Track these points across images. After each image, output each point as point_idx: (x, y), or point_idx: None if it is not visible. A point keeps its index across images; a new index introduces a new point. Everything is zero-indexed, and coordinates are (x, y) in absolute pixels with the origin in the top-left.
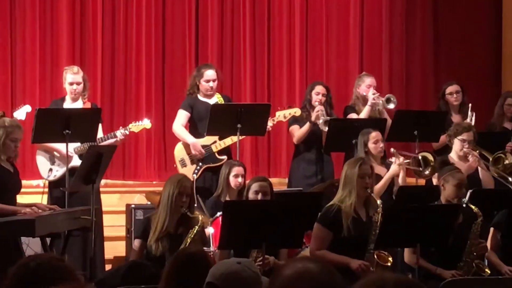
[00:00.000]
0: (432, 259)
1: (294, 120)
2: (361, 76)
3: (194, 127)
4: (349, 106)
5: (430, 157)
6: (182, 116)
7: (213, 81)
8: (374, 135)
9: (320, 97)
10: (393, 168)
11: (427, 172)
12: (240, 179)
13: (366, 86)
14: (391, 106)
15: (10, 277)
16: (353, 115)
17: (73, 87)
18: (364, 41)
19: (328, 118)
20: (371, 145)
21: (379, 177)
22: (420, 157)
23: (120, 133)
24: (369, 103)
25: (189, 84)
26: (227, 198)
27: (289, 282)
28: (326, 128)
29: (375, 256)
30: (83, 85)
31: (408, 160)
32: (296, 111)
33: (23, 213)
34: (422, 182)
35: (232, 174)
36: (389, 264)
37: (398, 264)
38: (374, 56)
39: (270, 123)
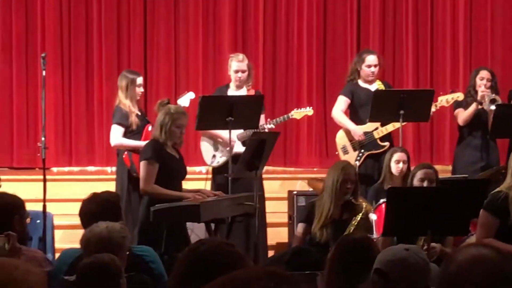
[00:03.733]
0: None
1: (458, 104)
2: None
3: (354, 113)
4: None
5: None
6: (342, 102)
7: (375, 66)
8: None
9: (485, 82)
10: None
11: None
12: (401, 165)
13: None
14: None
15: (180, 261)
16: None
17: (238, 75)
18: None
19: (494, 95)
20: None
21: None
22: None
23: (283, 118)
24: None
25: (349, 70)
26: (390, 186)
27: (465, 266)
28: (493, 107)
29: None
30: (248, 73)
31: None
32: (459, 96)
33: (188, 198)
34: None
35: (393, 159)
36: None
37: None
38: None
39: (432, 109)
